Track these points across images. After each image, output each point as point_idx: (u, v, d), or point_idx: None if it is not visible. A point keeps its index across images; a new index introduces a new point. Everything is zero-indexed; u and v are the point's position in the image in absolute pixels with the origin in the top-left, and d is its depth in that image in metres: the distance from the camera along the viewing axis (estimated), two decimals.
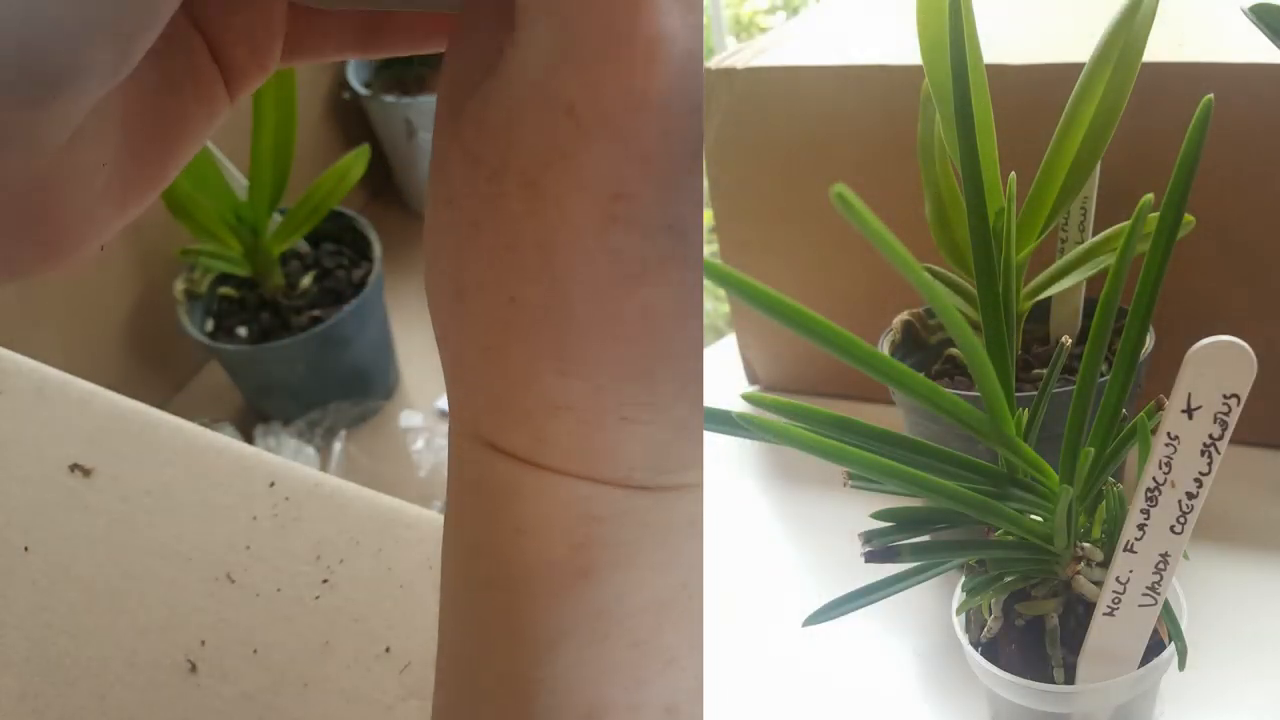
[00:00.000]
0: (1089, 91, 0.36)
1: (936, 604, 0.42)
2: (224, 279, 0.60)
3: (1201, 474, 0.26)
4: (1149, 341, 0.39)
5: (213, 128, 0.22)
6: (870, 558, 0.30)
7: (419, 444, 0.59)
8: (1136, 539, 0.28)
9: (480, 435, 0.19)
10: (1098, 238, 0.38)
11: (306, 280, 0.60)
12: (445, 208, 0.18)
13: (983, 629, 0.33)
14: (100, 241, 0.20)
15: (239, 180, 0.59)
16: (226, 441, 0.35)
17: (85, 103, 0.16)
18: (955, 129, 0.31)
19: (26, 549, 0.33)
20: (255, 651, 0.31)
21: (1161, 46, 0.41)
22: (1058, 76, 0.39)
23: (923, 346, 0.45)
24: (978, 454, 0.31)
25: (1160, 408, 0.28)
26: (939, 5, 0.35)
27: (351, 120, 0.74)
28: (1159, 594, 0.28)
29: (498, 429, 0.19)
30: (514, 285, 0.17)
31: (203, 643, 0.31)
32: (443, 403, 0.63)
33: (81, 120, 0.17)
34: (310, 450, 0.59)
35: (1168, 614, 0.30)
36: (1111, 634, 0.29)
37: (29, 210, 0.18)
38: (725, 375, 0.66)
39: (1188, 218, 0.30)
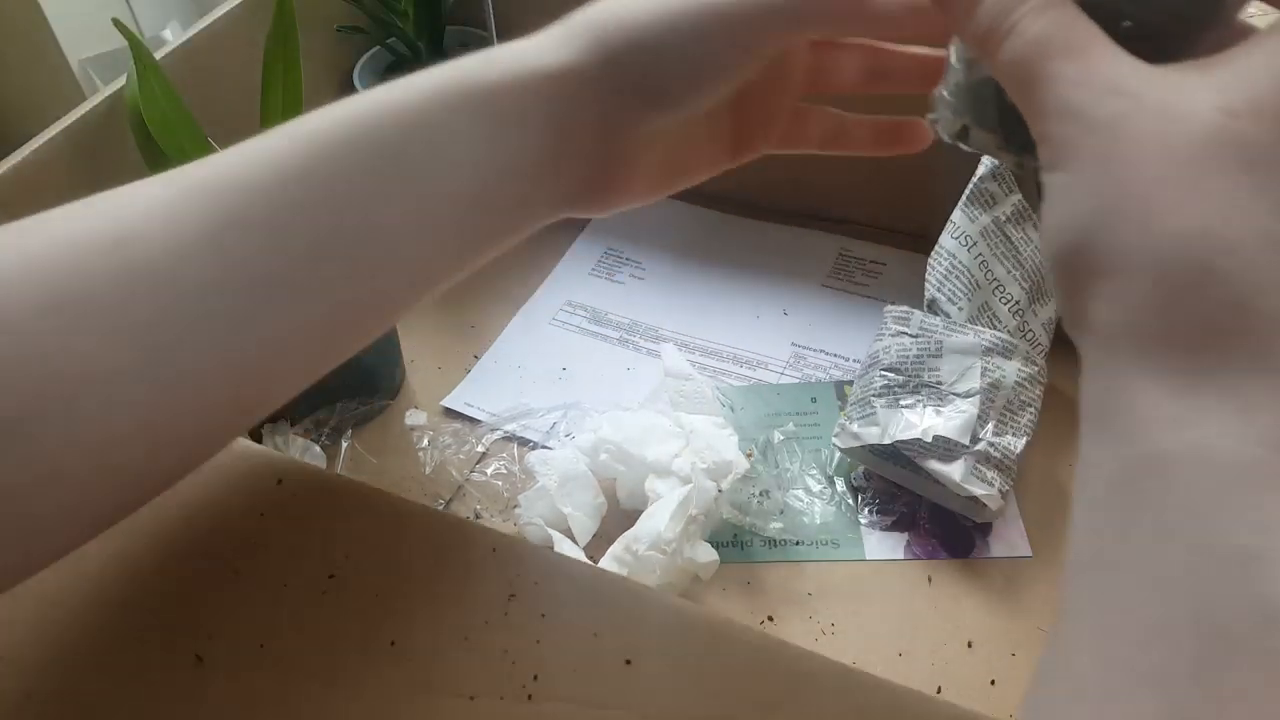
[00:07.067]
0: None
1: None
2: None
3: None
4: None
5: (710, 175, 0.35)
6: None
7: (424, 442, 0.60)
8: None
9: (1256, 433, 0.18)
10: None
11: None
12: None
13: None
14: (620, 209, 0.33)
15: None
16: (235, 440, 0.36)
17: (669, 121, 0.30)
18: None
19: None
20: (262, 646, 0.31)
21: None
22: None
23: None
24: None
25: None
26: None
27: None
28: None
29: None
30: None
31: (210, 637, 0.31)
32: (448, 401, 0.63)
33: (651, 132, 0.31)
34: (317, 449, 0.59)
35: None
36: None
37: (604, 177, 0.32)
38: None
39: None
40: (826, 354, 0.65)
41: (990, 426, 0.53)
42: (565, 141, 0.30)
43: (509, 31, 0.73)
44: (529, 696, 0.30)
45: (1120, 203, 0.19)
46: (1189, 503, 0.18)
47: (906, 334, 0.56)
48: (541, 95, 0.29)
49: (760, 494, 0.54)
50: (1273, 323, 0.18)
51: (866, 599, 0.52)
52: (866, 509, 0.56)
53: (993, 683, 0.49)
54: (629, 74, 0.29)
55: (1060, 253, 0.20)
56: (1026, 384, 0.55)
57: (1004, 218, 0.58)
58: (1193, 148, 0.18)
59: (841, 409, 0.61)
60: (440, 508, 0.56)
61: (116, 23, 0.48)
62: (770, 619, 0.51)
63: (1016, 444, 0.53)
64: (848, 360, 0.65)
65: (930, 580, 0.53)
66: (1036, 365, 0.56)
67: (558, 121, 0.29)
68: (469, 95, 0.28)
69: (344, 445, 0.59)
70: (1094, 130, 0.20)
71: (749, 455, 0.55)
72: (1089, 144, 0.20)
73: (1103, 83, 0.20)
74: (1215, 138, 0.18)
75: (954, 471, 0.52)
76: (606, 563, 0.50)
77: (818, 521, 0.55)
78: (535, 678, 0.30)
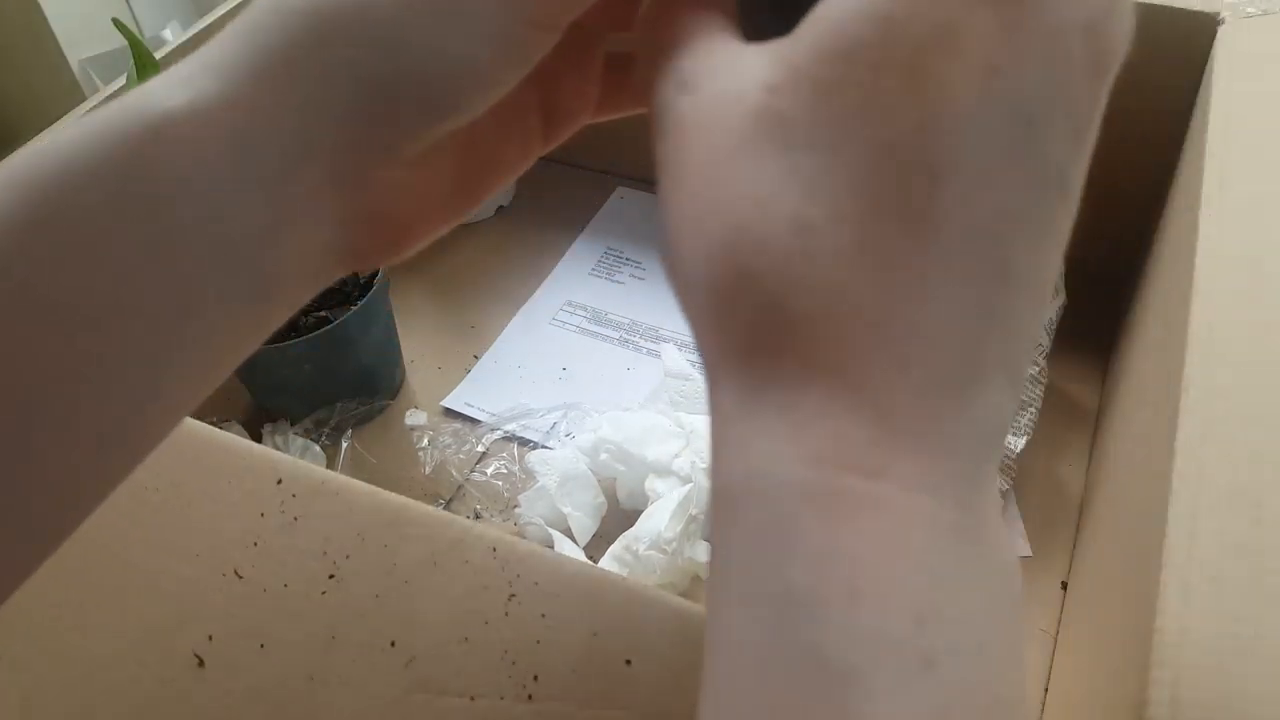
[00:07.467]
0: None
1: None
2: None
3: None
4: None
5: (523, 168, 0.27)
6: None
7: (424, 442, 0.60)
8: None
9: (808, 451, 0.15)
10: None
11: None
12: (762, 154, 0.16)
13: None
14: (422, 244, 0.25)
15: None
16: (234, 440, 0.36)
17: (449, 129, 0.21)
18: None
19: None
20: (263, 646, 0.31)
21: None
22: None
23: None
24: None
25: None
26: None
27: None
28: None
29: (842, 426, 0.15)
30: (881, 186, 0.15)
31: (210, 637, 0.31)
32: (448, 402, 0.63)
33: (431, 145, 0.21)
34: (317, 449, 0.59)
35: None
36: None
37: (383, 210, 0.22)
38: None
39: None
40: None
41: None
42: (287, 198, 0.20)
43: None
44: (529, 696, 0.30)
45: (680, 209, 0.17)
46: (748, 538, 0.15)
47: None
48: (223, 134, 0.19)
49: None
50: (811, 323, 0.15)
51: None
52: None
53: None
54: (366, 73, 0.20)
55: (665, 275, 0.18)
56: (1026, 383, 0.55)
57: None
58: (737, 135, 0.16)
59: None
60: (440, 508, 0.56)
61: (116, 23, 0.48)
62: None
63: (1016, 443, 0.53)
64: None
65: None
66: (1037, 365, 0.56)
67: (262, 169, 0.20)
68: (110, 157, 0.19)
69: (344, 445, 0.59)
70: (664, 130, 0.18)
71: None
72: (661, 146, 0.18)
73: (677, 75, 0.18)
74: (756, 120, 0.16)
75: None
76: (606, 563, 0.50)
77: None
78: (535, 678, 0.30)
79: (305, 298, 0.23)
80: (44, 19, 0.75)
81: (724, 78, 0.17)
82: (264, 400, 0.62)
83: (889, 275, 0.15)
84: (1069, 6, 0.15)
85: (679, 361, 0.60)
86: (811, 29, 0.16)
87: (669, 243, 0.18)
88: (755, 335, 0.16)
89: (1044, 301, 0.17)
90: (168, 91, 0.19)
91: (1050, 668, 0.50)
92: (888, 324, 0.15)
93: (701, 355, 0.18)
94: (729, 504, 0.16)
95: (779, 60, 0.16)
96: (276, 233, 0.20)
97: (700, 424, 0.55)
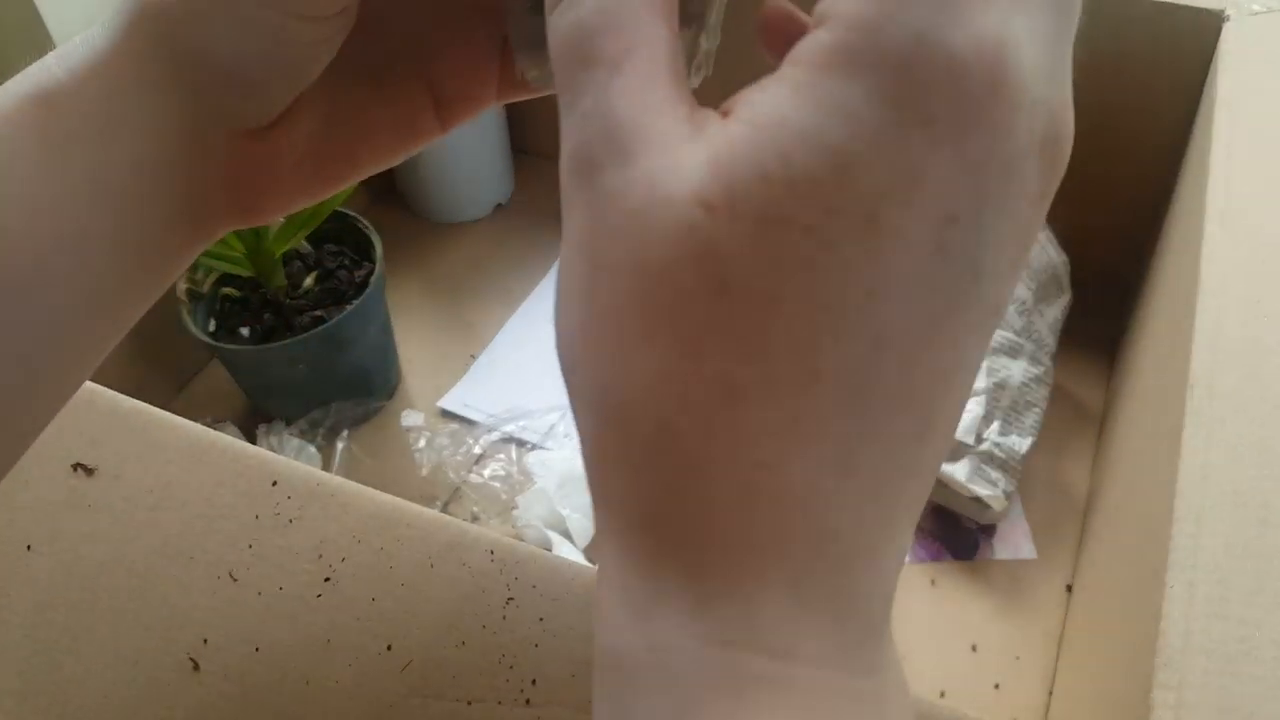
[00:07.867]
0: None
1: None
2: (227, 279, 0.60)
3: None
4: None
5: (414, 148, 0.26)
6: None
7: (420, 443, 0.59)
8: None
9: (716, 630, 0.14)
10: None
11: (309, 281, 0.60)
12: (697, 302, 0.14)
13: None
14: (286, 211, 0.25)
15: None
16: (229, 441, 0.35)
17: (275, 101, 0.23)
18: None
19: (29, 548, 0.33)
20: (257, 649, 0.31)
21: None
22: None
23: None
24: None
25: None
26: None
27: None
28: None
29: (754, 606, 0.14)
30: (821, 356, 0.14)
31: (205, 641, 0.31)
32: (445, 402, 0.63)
33: (281, 110, 0.23)
34: (312, 450, 0.59)
35: None
36: None
37: (237, 174, 0.24)
38: None
39: None
40: None
41: (995, 426, 0.53)
42: (149, 152, 0.22)
43: None
44: (527, 701, 0.29)
45: (589, 329, 0.15)
46: (649, 715, 0.14)
47: None
48: (94, 95, 0.22)
49: None
50: (730, 495, 0.14)
51: None
52: None
53: (997, 686, 0.48)
54: (175, 50, 0.22)
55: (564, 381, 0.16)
56: (1032, 384, 0.54)
57: None
58: (663, 256, 0.14)
59: None
60: (437, 510, 0.56)
61: None
62: None
63: (1021, 444, 0.53)
64: None
65: (934, 583, 0.53)
66: (1043, 365, 0.55)
67: (126, 125, 0.22)
68: (16, 115, 0.21)
69: (339, 446, 0.59)
70: (586, 203, 0.15)
71: None
72: (575, 223, 0.15)
73: (619, 133, 0.15)
74: (685, 243, 0.14)
75: (958, 471, 0.52)
76: None
77: None
78: (533, 682, 0.30)
79: (196, 248, 0.25)
80: (40, 21, 0.75)
81: (661, 160, 0.14)
82: (259, 401, 0.62)
83: (818, 449, 0.14)
84: (1030, 122, 0.13)
85: None
86: (754, 135, 0.14)
87: (571, 345, 0.15)
88: (667, 497, 0.14)
89: (953, 434, 0.16)
90: (57, 60, 0.22)
91: (1055, 670, 0.49)
92: (812, 500, 0.14)
93: (596, 497, 0.16)
94: (626, 672, 0.15)
95: (717, 167, 0.14)
96: (151, 182, 0.22)
97: None
